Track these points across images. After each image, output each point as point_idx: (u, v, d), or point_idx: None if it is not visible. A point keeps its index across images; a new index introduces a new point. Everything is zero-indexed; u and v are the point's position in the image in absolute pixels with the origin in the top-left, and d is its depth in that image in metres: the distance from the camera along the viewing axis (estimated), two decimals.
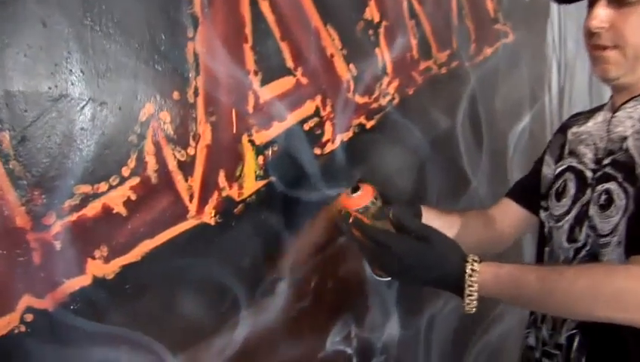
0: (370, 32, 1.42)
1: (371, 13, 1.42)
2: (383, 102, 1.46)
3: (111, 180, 0.91)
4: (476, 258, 0.99)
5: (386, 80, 1.46)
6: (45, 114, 0.83)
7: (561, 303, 0.95)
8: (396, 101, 1.51)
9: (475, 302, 0.97)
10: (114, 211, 0.92)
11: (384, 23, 1.46)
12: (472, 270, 0.97)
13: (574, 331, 1.12)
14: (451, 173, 1.79)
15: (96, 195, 0.90)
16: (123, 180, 0.93)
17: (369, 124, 1.41)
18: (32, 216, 0.83)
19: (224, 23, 1.06)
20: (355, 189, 1.07)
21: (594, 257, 1.10)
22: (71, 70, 0.86)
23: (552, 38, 2.60)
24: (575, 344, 1.11)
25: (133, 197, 0.94)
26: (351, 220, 1.05)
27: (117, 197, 0.92)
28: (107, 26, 0.90)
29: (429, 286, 1.03)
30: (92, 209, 0.89)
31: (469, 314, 0.98)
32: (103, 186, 0.90)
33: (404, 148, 1.55)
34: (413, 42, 1.59)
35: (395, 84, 1.50)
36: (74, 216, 0.87)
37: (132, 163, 0.93)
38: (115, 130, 0.91)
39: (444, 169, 1.73)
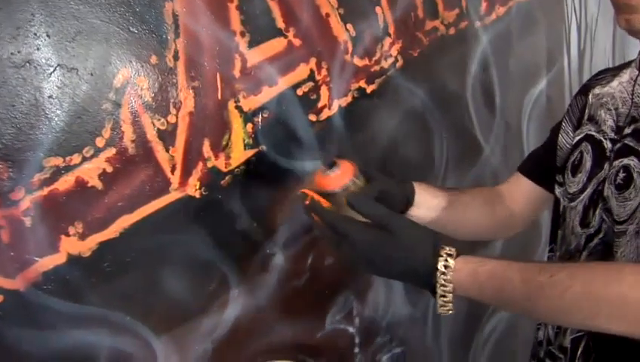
0: None
1: None
2: (385, 64, 1.41)
3: (84, 152, 0.88)
4: (452, 251, 0.87)
5: (387, 41, 1.42)
6: (8, 81, 0.80)
7: (549, 312, 0.84)
8: (399, 63, 1.46)
9: (450, 304, 0.86)
10: (88, 185, 0.90)
11: None
12: (446, 266, 0.85)
13: (580, 333, 1.02)
14: (461, 140, 1.74)
15: (68, 168, 0.87)
16: (97, 151, 0.90)
17: (369, 89, 1.36)
18: None
19: None
20: (332, 165, 1.01)
21: (607, 247, 0.96)
22: (35, 34, 0.82)
23: None
24: (580, 348, 1.01)
25: (109, 169, 0.91)
26: (307, 202, 0.99)
27: (91, 170, 0.90)
28: None
29: (398, 280, 0.95)
30: (64, 183, 0.87)
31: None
32: (75, 158, 0.87)
33: (408, 115, 1.50)
34: (418, 0, 1.53)
35: (398, 45, 1.45)
36: (44, 191, 0.85)
37: (107, 133, 0.90)
38: (87, 98, 0.88)
39: (453, 136, 1.68)
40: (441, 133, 1.64)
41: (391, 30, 1.43)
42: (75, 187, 0.88)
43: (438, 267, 0.86)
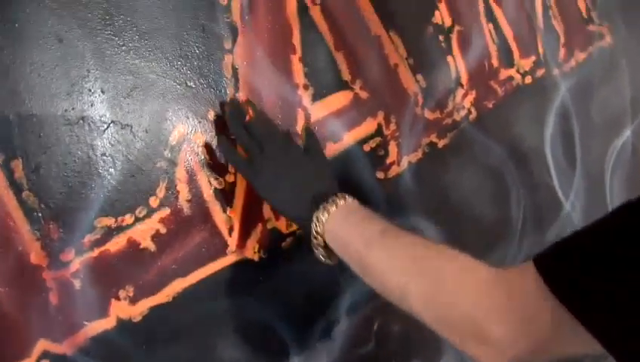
0: (441, 37, 1.33)
1: (441, 16, 1.33)
2: (458, 117, 1.35)
3: (137, 212, 0.86)
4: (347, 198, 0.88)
5: (460, 92, 1.36)
6: (62, 138, 0.79)
7: (375, 284, 0.83)
8: (473, 116, 1.40)
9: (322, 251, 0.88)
10: (141, 246, 0.87)
11: (457, 28, 1.37)
12: (334, 201, 0.86)
13: None
14: (539, 196, 1.65)
15: (120, 229, 0.85)
16: (151, 212, 0.88)
17: (441, 143, 1.31)
18: (48, 253, 0.80)
19: (267, 32, 1.00)
20: None
21: None
22: (90, 90, 0.81)
23: None
24: None
25: (163, 230, 0.88)
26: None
27: (144, 231, 0.87)
28: (131, 40, 0.85)
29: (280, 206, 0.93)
30: (116, 244, 0.85)
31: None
32: (128, 219, 0.85)
33: (483, 171, 1.43)
34: (492, 48, 1.48)
35: (472, 96, 1.39)
36: (95, 252, 0.84)
37: (161, 192, 0.88)
38: (141, 156, 0.86)
39: (531, 193, 1.60)
40: (518, 189, 1.56)
41: (464, 80, 1.38)
42: (126, 248, 0.86)
43: (319, 210, 0.86)
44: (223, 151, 0.93)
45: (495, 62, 1.48)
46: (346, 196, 0.88)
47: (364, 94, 1.15)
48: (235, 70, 0.95)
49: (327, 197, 0.87)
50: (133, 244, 0.86)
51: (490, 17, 1.47)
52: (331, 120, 1.09)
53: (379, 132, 1.17)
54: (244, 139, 0.91)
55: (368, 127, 1.16)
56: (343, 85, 1.12)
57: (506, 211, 1.51)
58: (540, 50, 1.64)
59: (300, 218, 0.91)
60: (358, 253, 0.82)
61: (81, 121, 0.81)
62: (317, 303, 1.09)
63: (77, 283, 0.82)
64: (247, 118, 0.95)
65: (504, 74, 1.51)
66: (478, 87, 1.41)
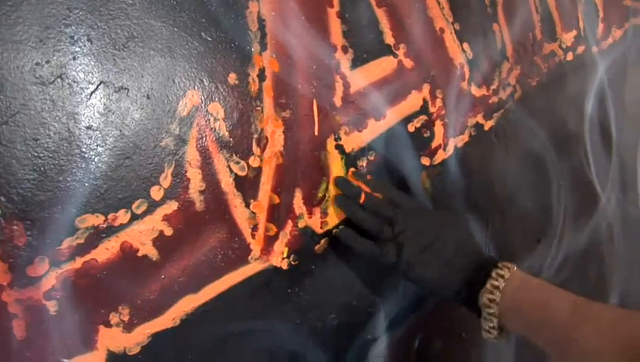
0: (487, 1, 1.10)
1: None
2: (503, 95, 1.13)
3: (134, 207, 0.63)
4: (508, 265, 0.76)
5: (506, 66, 1.14)
6: (30, 104, 0.55)
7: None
8: (518, 94, 1.18)
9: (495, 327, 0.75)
10: (139, 254, 0.65)
11: None
12: (499, 274, 0.75)
13: None
14: (579, 187, 1.45)
15: (111, 230, 0.62)
16: (153, 206, 0.65)
17: (487, 125, 1.09)
18: (10, 265, 0.57)
19: None
20: None
21: None
22: (72, 37, 0.58)
23: None
24: None
25: (169, 231, 0.65)
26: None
27: (144, 233, 0.65)
28: None
29: (442, 282, 0.79)
30: (105, 251, 0.62)
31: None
32: (121, 216, 0.62)
33: (526, 158, 1.22)
34: (536, 18, 1.26)
35: (517, 72, 1.18)
36: (78, 263, 0.60)
37: (167, 180, 0.65)
38: (140, 130, 0.63)
39: (572, 183, 1.39)
40: (559, 180, 1.34)
41: (509, 53, 1.16)
42: (120, 257, 0.63)
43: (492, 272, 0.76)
44: (348, 242, 0.82)
45: (539, 34, 1.26)
46: (505, 263, 0.78)
47: (408, 62, 0.92)
48: (261, 22, 0.72)
49: (485, 265, 0.78)
50: (128, 251, 0.63)
51: None
52: (373, 92, 0.87)
53: (424, 109, 0.95)
54: (370, 223, 0.81)
55: (413, 102, 0.94)
56: (386, 50, 0.90)
57: (549, 206, 1.31)
58: (581, 23, 1.42)
59: (457, 292, 0.79)
60: (557, 328, 0.70)
61: (58, 80, 0.57)
62: (354, 321, 0.87)
63: (52, 307, 0.59)
64: (362, 198, 0.82)
65: (547, 48, 1.29)
66: (523, 61, 1.19)
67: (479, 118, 1.07)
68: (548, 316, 0.71)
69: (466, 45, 1.04)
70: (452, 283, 0.78)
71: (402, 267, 0.79)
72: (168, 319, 0.67)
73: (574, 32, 1.43)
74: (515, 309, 0.74)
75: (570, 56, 1.40)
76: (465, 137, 1.04)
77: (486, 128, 1.09)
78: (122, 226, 0.62)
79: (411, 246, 0.79)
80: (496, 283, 0.75)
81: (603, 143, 1.56)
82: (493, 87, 1.11)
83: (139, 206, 0.63)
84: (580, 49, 1.46)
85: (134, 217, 0.63)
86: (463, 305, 0.80)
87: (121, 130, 0.61)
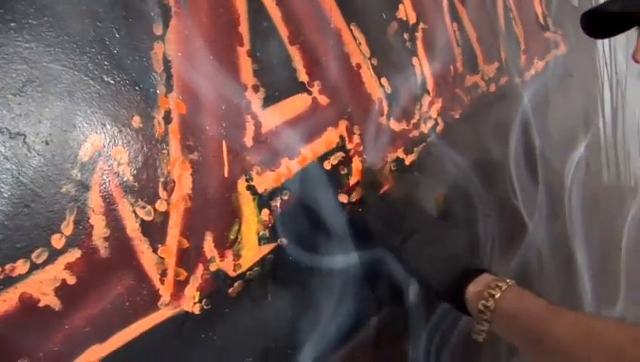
0: (406, 35, 1.14)
1: (405, 11, 1.14)
2: (425, 129, 1.16)
3: (34, 256, 0.62)
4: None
5: (427, 99, 1.18)
6: None
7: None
8: (440, 127, 1.22)
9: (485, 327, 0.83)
10: (40, 304, 0.63)
11: (422, 26, 1.18)
12: (497, 285, 0.83)
13: None
14: (505, 216, 1.49)
15: (9, 281, 0.61)
16: (54, 255, 0.64)
17: (408, 159, 1.11)
18: None
19: (209, 16, 0.78)
20: None
21: None
22: None
23: (603, 50, 2.33)
24: None
25: (72, 280, 0.65)
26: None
27: (44, 283, 0.63)
28: (25, 14, 0.61)
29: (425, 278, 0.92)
30: (2, 303, 0.60)
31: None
32: (20, 266, 0.61)
33: (451, 191, 1.25)
34: (457, 51, 1.30)
35: (438, 105, 1.21)
36: None
37: (68, 228, 0.64)
38: (39, 177, 0.62)
39: (499, 213, 1.43)
40: (485, 210, 1.38)
41: (430, 86, 1.19)
42: (18, 309, 0.61)
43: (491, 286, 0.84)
44: (369, 199, 0.98)
45: (460, 67, 1.30)
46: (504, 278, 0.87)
47: (323, 99, 0.94)
48: (167, 63, 0.73)
49: (478, 272, 0.88)
50: (28, 302, 0.62)
51: (455, 16, 1.29)
52: (286, 130, 0.88)
53: (341, 146, 0.97)
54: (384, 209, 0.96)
55: (329, 139, 0.95)
56: (300, 87, 0.91)
57: (476, 237, 1.33)
58: (503, 55, 1.48)
59: (448, 291, 0.89)
60: (538, 328, 0.79)
61: None
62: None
63: None
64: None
65: (469, 80, 1.34)
66: (445, 94, 1.23)
67: (399, 153, 1.10)
68: (544, 332, 0.78)
69: (384, 80, 1.07)
70: (445, 280, 0.89)
71: (403, 253, 0.91)
72: None
73: (496, 64, 1.48)
74: (509, 319, 0.82)
75: (493, 88, 1.45)
76: None
77: (407, 163, 1.12)
78: (21, 277, 0.62)
79: (416, 238, 0.91)
80: (492, 291, 0.82)
81: (528, 171, 1.61)
82: (413, 121, 1.14)
83: (39, 255, 0.63)
84: (503, 80, 1.51)
85: (34, 267, 0.62)
86: (449, 303, 0.90)
87: (18, 178, 0.61)
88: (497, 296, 0.82)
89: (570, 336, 0.76)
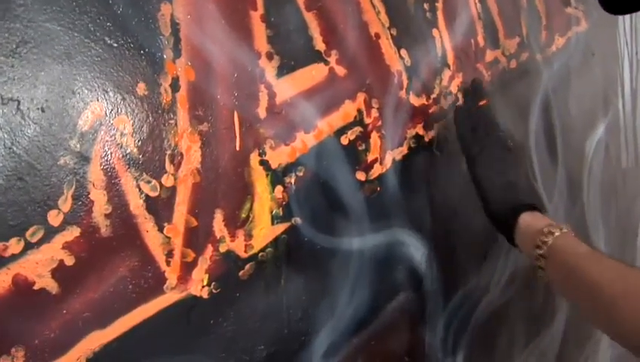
0: (426, 6, 1.08)
1: None
2: (444, 104, 1.11)
3: (28, 234, 0.57)
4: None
5: (447, 73, 1.12)
6: None
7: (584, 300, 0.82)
8: (460, 103, 1.16)
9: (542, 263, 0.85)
10: (35, 287, 0.58)
11: None
12: (550, 231, 0.85)
13: None
14: None
15: (1, 261, 0.56)
16: (51, 233, 0.59)
17: (428, 136, 1.06)
18: None
19: None
20: None
21: None
22: None
23: (624, 28, 2.26)
24: None
25: (70, 261, 0.60)
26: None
27: (40, 264, 0.59)
28: None
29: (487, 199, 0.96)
30: None
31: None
32: (13, 245, 0.57)
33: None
34: (478, 24, 1.25)
35: (459, 80, 1.16)
36: None
37: (66, 204, 0.59)
38: (34, 148, 0.58)
39: None
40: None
41: (450, 60, 1.14)
42: (12, 292, 0.57)
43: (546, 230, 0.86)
44: (462, 118, 1.03)
45: (481, 41, 1.24)
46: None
47: (341, 70, 0.89)
48: (175, 26, 0.68)
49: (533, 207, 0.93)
50: (22, 285, 0.58)
51: None
52: (302, 102, 0.83)
53: (359, 120, 0.92)
54: (477, 119, 1.01)
55: (347, 113, 0.90)
56: (317, 56, 0.86)
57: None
58: (524, 30, 1.42)
59: (502, 213, 0.94)
60: (581, 266, 0.81)
61: None
62: (286, 351, 0.83)
63: None
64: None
65: (490, 55, 1.28)
66: (465, 69, 1.18)
67: (419, 129, 1.05)
68: (593, 285, 0.78)
69: (403, 52, 1.02)
70: (504, 199, 0.94)
71: (477, 162, 0.98)
72: (72, 360, 0.61)
73: (517, 39, 1.42)
74: (559, 265, 0.84)
75: (513, 64, 1.40)
76: (404, 149, 1.01)
77: (426, 139, 1.07)
78: (14, 257, 0.57)
79: (490, 153, 0.97)
80: (552, 229, 0.85)
81: (548, 152, 1.56)
82: (433, 95, 1.09)
83: (34, 233, 0.58)
84: (524, 56, 1.45)
85: (29, 246, 0.58)
86: (499, 225, 0.95)
87: (11, 148, 0.56)
88: (557, 234, 0.84)
89: (609, 274, 0.78)
